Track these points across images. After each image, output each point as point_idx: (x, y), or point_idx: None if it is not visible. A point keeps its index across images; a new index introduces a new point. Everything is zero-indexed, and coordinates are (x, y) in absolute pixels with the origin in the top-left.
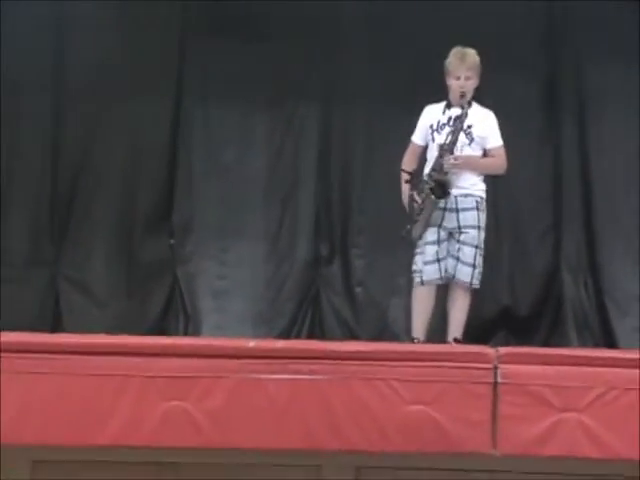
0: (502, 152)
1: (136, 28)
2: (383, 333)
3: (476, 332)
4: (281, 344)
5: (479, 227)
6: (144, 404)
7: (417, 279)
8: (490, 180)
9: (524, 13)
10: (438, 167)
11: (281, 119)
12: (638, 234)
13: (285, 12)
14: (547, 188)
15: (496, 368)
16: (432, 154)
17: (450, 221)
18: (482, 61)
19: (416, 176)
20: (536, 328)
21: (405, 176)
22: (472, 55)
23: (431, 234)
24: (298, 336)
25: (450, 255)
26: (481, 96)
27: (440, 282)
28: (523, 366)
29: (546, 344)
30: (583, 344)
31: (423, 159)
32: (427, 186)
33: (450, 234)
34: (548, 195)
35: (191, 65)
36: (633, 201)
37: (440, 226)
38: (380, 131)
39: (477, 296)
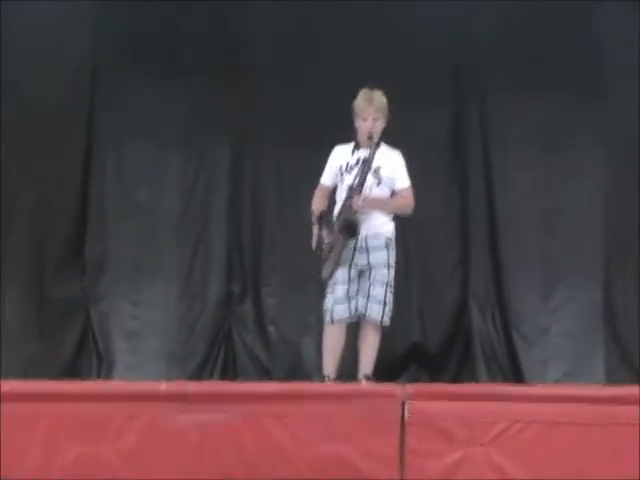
0: (410, 192)
1: (48, 65)
2: (296, 370)
3: (387, 368)
4: (192, 386)
5: (389, 265)
6: (56, 447)
7: (327, 318)
8: (398, 218)
9: (431, 56)
10: (347, 208)
11: (193, 158)
12: (543, 268)
13: (197, 51)
14: (455, 224)
15: (403, 404)
16: (342, 195)
17: (360, 260)
18: (390, 98)
19: (325, 217)
20: (446, 363)
21: (314, 217)
22: (379, 97)
23: (341, 273)
24: (211, 374)
25: (361, 294)
26: (389, 132)
27: (350, 321)
28: (429, 402)
29: (456, 378)
30: (492, 377)
31: (333, 200)
32: (337, 227)
33: (361, 272)
34: (456, 231)
35: (103, 103)
36: (538, 236)
37: (351, 265)
38: (291, 171)
39: (388, 332)
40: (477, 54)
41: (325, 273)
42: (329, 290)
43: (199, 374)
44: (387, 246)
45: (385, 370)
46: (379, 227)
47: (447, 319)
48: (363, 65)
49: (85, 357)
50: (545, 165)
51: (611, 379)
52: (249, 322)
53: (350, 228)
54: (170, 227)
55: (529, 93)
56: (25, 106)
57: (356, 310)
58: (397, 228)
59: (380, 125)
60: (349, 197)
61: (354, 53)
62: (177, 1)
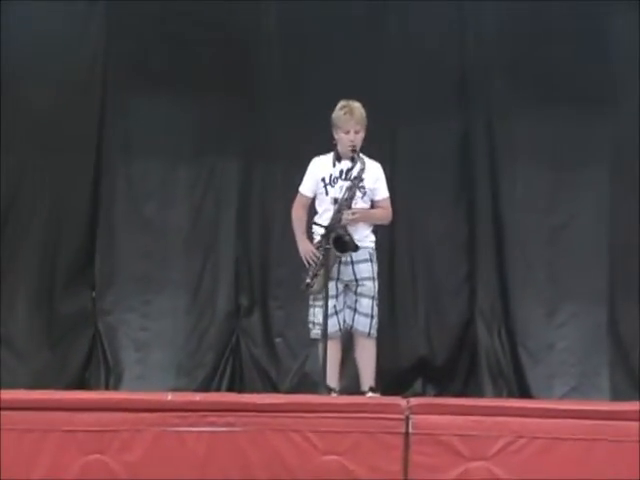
0: (389, 203)
1: (58, 83)
2: (302, 383)
3: (394, 381)
4: (198, 397)
5: (374, 278)
6: (64, 458)
7: (316, 331)
8: (406, 233)
9: (439, 71)
10: (337, 222)
11: (202, 173)
12: (549, 284)
13: (206, 68)
14: (461, 240)
15: (407, 418)
16: (325, 207)
17: (346, 274)
18: (399, 115)
19: (311, 229)
20: (452, 377)
21: (302, 228)
22: (359, 109)
23: (329, 288)
24: (219, 387)
25: (347, 306)
26: (398, 149)
27: (340, 333)
28: (433, 416)
29: (462, 392)
30: (497, 392)
31: (312, 211)
32: (330, 242)
33: (346, 286)
34: (462, 247)
35: (112, 119)
36: (544, 252)
37: (337, 279)
38: (297, 185)
39: (394, 346)
40: (484, 70)
41: (317, 287)
42: (318, 304)
43: (207, 386)
44: (371, 258)
45: (391, 383)
46: (362, 240)
47: (453, 334)
48: (370, 81)
49: (94, 368)
50: (552, 182)
51: (616, 395)
52: (257, 334)
53: (345, 244)
54: (179, 241)
55: (536, 109)
56: (35, 122)
57: (344, 322)
58: (404, 243)
59: (361, 136)
60: (338, 210)
61: (361, 69)
62: (187, 17)
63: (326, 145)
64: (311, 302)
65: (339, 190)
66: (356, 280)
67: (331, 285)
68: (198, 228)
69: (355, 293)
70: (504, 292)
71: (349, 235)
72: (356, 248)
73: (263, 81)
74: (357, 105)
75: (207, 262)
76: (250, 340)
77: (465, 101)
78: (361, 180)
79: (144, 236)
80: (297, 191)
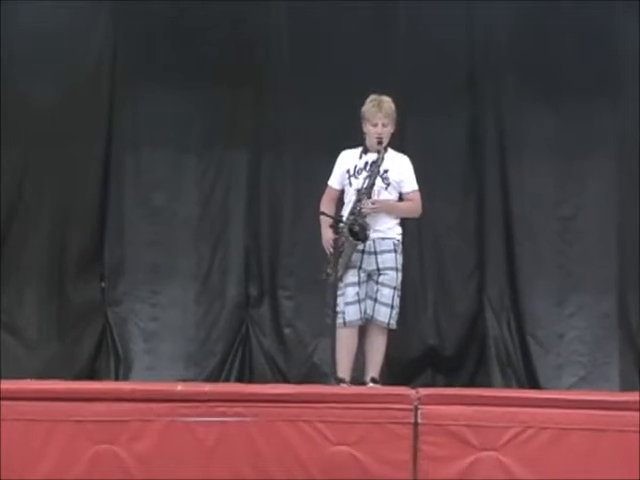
0: (417, 196)
1: (66, 72)
2: (311, 373)
3: (403, 371)
4: (208, 387)
5: (397, 269)
6: (73, 448)
7: (340, 320)
8: (415, 223)
9: (448, 63)
10: (356, 211)
11: (211, 163)
12: (558, 274)
13: (214, 58)
14: (471, 230)
15: (417, 409)
16: (350, 198)
17: (369, 263)
18: (407, 107)
19: (336, 220)
20: (461, 367)
21: (327, 220)
22: (388, 102)
23: (351, 276)
24: (228, 376)
25: (368, 296)
26: (408, 141)
27: (360, 323)
28: (443, 407)
29: (471, 382)
30: (507, 382)
31: (340, 203)
32: (346, 230)
33: (369, 276)
34: (472, 237)
35: (121, 110)
36: (553, 242)
37: (360, 268)
38: (308, 174)
39: (403, 336)
40: (493, 63)
41: (336, 276)
42: (339, 292)
43: (216, 376)
44: (395, 249)
45: (400, 373)
46: (387, 230)
47: (463, 324)
48: (379, 73)
49: (104, 358)
50: (560, 172)
51: (626, 384)
52: (266, 324)
53: (360, 232)
54: (188, 230)
55: (544, 101)
56: (45, 114)
57: (365, 312)
58: (414, 233)
59: (389, 130)
60: (358, 200)
61: (371, 61)
62: (195, 8)
63: (335, 135)
64: (338, 292)
65: (362, 181)
66: (378, 270)
67: (353, 273)
68: (207, 218)
69: (377, 283)
70: (513, 282)
71: (360, 225)
72: (365, 238)
73: (272, 72)
74: (386, 99)
75: (216, 252)
76: (259, 330)
77: (474, 93)
78: (379, 171)
79: (153, 226)
80: (307, 179)
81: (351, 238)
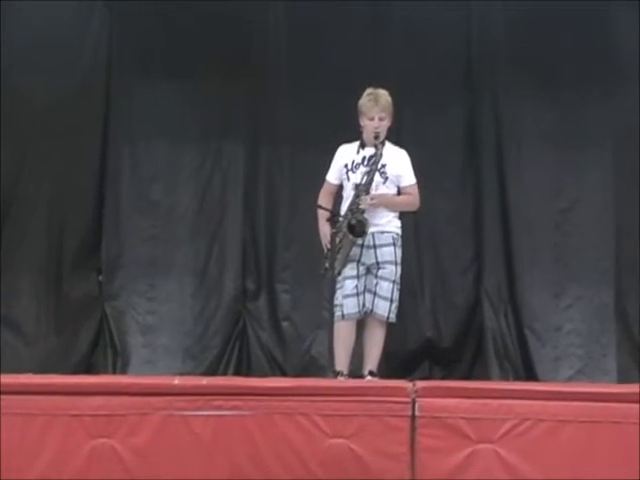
0: (415, 190)
1: (63, 65)
2: (309, 366)
3: (400, 364)
4: (205, 381)
5: (396, 263)
6: (70, 442)
7: (338, 313)
8: (412, 216)
9: (445, 55)
10: (355, 206)
11: (208, 156)
12: (555, 266)
13: (212, 50)
14: (468, 223)
15: (414, 402)
16: (348, 193)
17: (368, 257)
18: (404, 98)
19: (333, 214)
20: (459, 359)
21: (325, 214)
22: (385, 96)
23: (350, 269)
24: (226, 370)
25: (367, 290)
26: (404, 134)
27: (359, 316)
28: (440, 399)
29: (469, 375)
30: (504, 374)
31: (339, 197)
32: (345, 225)
33: (368, 270)
34: (469, 230)
35: (118, 103)
36: (550, 234)
37: (359, 262)
38: (305, 168)
39: (401, 328)
40: (490, 54)
41: (335, 270)
42: (338, 286)
43: (214, 369)
44: (394, 243)
45: (398, 366)
46: (386, 224)
47: (460, 316)
48: (376, 64)
49: (101, 352)
50: (558, 164)
51: (623, 376)
52: (263, 318)
53: (358, 226)
54: (185, 224)
55: (542, 92)
56: (42, 107)
57: (363, 306)
58: (411, 225)
59: (386, 124)
60: (357, 195)
61: (367, 52)
62: (192, 3)
63: (333, 129)
64: (337, 285)
65: (360, 176)
66: (377, 263)
67: (352, 266)
68: (205, 212)
69: (376, 276)
70: (510, 274)
71: (358, 221)
72: (362, 233)
73: (269, 64)
74: (383, 93)
75: (214, 246)
76: (257, 324)
77: (471, 86)
78: (377, 166)
79: (151, 220)
80: (304, 173)
81: (349, 234)
